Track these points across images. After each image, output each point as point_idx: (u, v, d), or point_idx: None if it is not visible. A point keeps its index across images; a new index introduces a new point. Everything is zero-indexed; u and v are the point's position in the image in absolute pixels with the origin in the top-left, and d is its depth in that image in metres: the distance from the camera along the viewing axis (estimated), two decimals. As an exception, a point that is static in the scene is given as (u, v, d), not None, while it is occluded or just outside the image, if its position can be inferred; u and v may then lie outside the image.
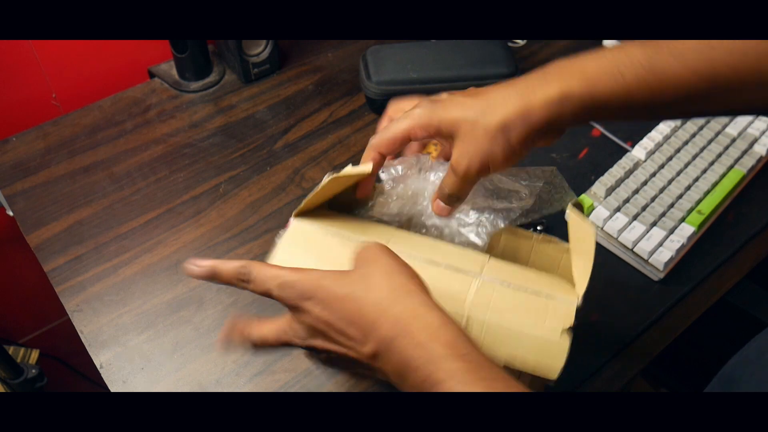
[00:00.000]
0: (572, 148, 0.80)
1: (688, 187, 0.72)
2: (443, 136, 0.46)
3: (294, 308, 0.41)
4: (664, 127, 0.77)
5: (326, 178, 0.46)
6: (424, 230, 0.51)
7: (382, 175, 0.52)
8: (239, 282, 0.42)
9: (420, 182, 0.51)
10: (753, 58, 0.41)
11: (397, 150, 0.48)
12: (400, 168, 0.51)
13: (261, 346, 0.43)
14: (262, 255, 0.69)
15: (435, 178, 0.51)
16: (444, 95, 0.48)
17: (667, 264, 0.66)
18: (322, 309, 0.39)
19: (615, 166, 0.73)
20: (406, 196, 0.51)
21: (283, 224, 0.72)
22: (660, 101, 0.44)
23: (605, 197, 0.71)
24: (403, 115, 0.47)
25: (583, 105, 0.43)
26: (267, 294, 0.41)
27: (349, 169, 0.46)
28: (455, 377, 0.35)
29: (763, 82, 0.42)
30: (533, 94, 0.43)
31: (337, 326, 0.39)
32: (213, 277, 0.43)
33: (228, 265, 0.42)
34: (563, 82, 0.43)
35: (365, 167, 0.47)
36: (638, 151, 0.75)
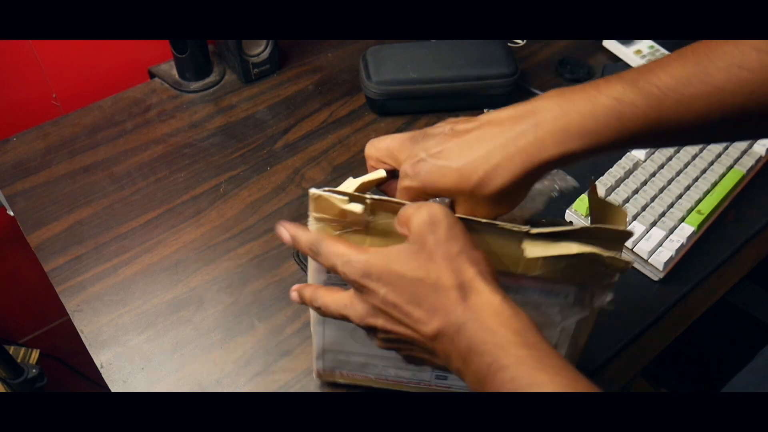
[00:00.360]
0: (572, 148, 0.80)
1: (688, 187, 0.72)
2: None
3: (358, 287, 0.41)
4: (664, 127, 0.77)
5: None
6: None
7: None
8: (310, 252, 0.43)
9: None
10: (763, 96, 0.39)
11: None
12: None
13: (322, 312, 0.45)
14: (262, 255, 0.69)
15: None
16: (419, 135, 0.45)
17: (667, 264, 0.66)
18: (389, 291, 0.39)
19: (615, 166, 0.73)
20: None
21: (283, 224, 0.72)
22: (663, 143, 0.44)
23: (605, 197, 0.71)
24: (398, 181, 0.46)
25: (582, 158, 0.41)
26: (333, 269, 0.42)
27: (362, 178, 0.46)
28: (521, 363, 0.36)
29: None
30: (529, 158, 0.40)
31: (404, 309, 0.39)
32: (293, 243, 0.44)
33: (304, 236, 0.44)
34: (560, 144, 0.40)
35: (379, 172, 0.46)
36: (638, 152, 0.75)
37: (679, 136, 0.41)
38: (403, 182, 0.45)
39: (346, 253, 0.41)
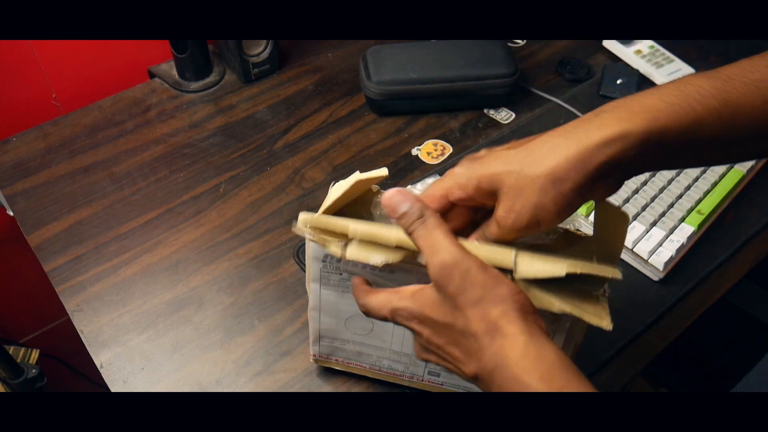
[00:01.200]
0: (572, 148, 0.80)
1: (688, 187, 0.72)
2: (485, 194, 0.42)
3: (409, 328, 0.43)
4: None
5: (344, 184, 0.45)
6: None
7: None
8: (363, 310, 0.45)
9: None
10: None
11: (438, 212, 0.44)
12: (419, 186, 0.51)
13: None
14: (262, 255, 0.69)
15: None
16: (483, 152, 0.43)
17: (667, 264, 0.66)
18: (432, 333, 0.41)
19: (615, 166, 0.73)
20: None
21: (283, 224, 0.72)
22: (734, 136, 0.40)
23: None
24: (442, 176, 0.44)
25: (648, 142, 0.38)
26: (385, 319, 0.44)
27: (368, 173, 0.45)
28: None
29: None
30: (587, 137, 0.38)
31: (446, 349, 0.41)
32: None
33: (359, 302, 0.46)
34: (622, 120, 0.38)
35: (382, 170, 0.46)
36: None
37: (750, 130, 0.39)
38: (451, 169, 0.43)
39: (390, 301, 0.43)
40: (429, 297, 0.41)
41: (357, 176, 0.45)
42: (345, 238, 0.43)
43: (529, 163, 0.40)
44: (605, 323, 0.41)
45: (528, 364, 0.37)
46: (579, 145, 0.39)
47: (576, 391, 0.36)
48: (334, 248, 0.44)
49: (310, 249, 0.49)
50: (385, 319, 0.44)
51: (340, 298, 0.51)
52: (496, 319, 0.38)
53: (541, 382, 0.36)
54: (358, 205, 0.48)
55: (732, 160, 0.45)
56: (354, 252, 0.43)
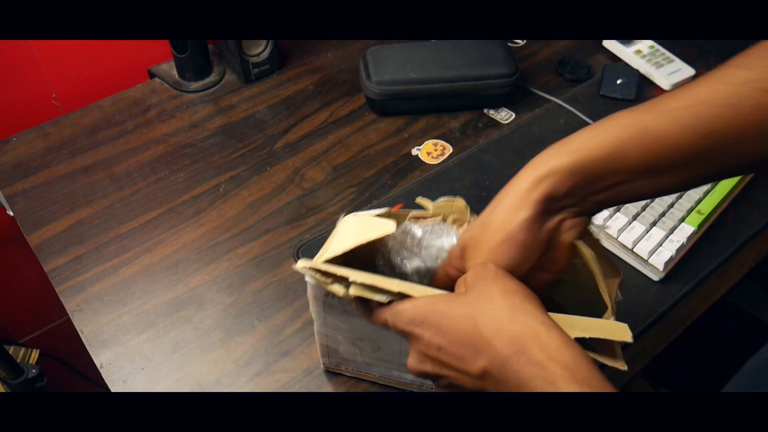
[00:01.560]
0: (572, 148, 0.80)
1: (688, 187, 0.72)
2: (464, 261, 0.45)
3: (406, 336, 0.41)
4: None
5: (350, 240, 0.44)
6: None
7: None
8: (365, 317, 0.44)
9: (440, 241, 0.51)
10: (749, 110, 0.39)
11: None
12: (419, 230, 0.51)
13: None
14: (262, 255, 0.69)
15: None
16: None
17: (667, 264, 0.66)
18: (434, 333, 0.39)
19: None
20: (426, 250, 0.51)
21: (283, 224, 0.72)
22: (660, 163, 0.41)
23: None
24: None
25: (576, 174, 0.41)
26: (384, 325, 0.43)
27: (371, 229, 0.45)
28: None
29: (763, 134, 0.40)
30: (524, 180, 0.42)
31: (449, 350, 0.39)
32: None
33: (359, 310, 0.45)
34: (551, 158, 0.42)
35: (389, 226, 0.45)
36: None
37: (674, 156, 0.41)
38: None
39: (393, 305, 0.42)
40: (446, 294, 0.41)
41: (365, 237, 0.44)
42: (346, 280, 0.42)
43: (482, 221, 0.43)
44: (620, 365, 0.42)
45: (552, 352, 0.36)
46: (517, 188, 0.42)
47: (601, 383, 0.35)
48: (336, 288, 0.43)
49: (310, 288, 0.48)
50: (384, 323, 0.42)
51: (345, 323, 0.51)
52: (519, 304, 0.38)
53: (565, 370, 0.35)
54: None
55: (667, 191, 0.44)
56: (357, 291, 0.42)
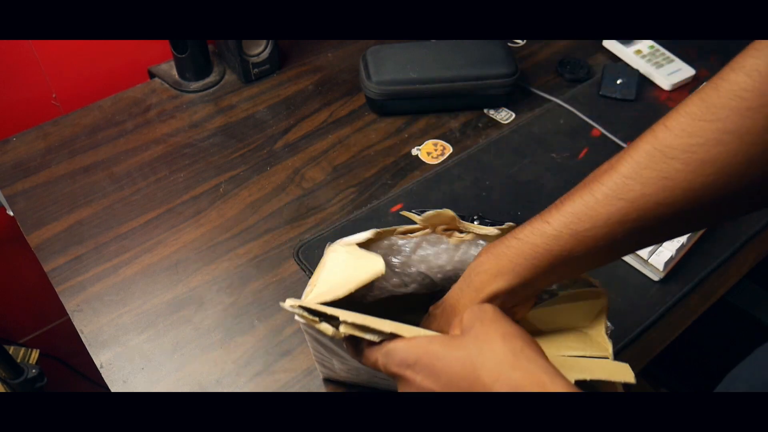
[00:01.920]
0: (572, 149, 0.80)
1: (688, 187, 0.72)
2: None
3: (396, 378, 0.40)
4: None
5: (339, 290, 0.44)
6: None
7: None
8: (355, 358, 0.43)
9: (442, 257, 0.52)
10: (645, 221, 0.38)
11: None
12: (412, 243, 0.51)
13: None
14: (261, 255, 0.69)
15: (459, 255, 0.51)
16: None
17: (667, 264, 0.66)
18: (426, 376, 0.37)
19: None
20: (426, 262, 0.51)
21: (283, 224, 0.72)
22: (586, 267, 0.43)
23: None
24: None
25: (514, 292, 0.43)
26: (375, 365, 0.41)
27: (364, 274, 0.45)
28: None
29: (699, 204, 0.38)
30: (469, 295, 0.45)
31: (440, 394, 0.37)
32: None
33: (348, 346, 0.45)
34: (490, 283, 0.44)
35: (378, 269, 0.45)
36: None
37: (590, 263, 0.42)
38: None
39: (384, 345, 0.40)
40: (441, 336, 0.39)
41: (356, 282, 0.43)
42: (336, 320, 0.41)
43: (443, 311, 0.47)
44: (629, 378, 0.42)
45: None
46: (464, 302, 0.45)
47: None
48: (325, 327, 0.41)
49: (301, 323, 0.47)
50: (375, 364, 0.41)
51: (339, 356, 0.50)
52: (519, 349, 0.37)
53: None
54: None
55: (613, 260, 0.45)
56: (347, 330, 0.40)
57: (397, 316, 0.44)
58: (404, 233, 0.50)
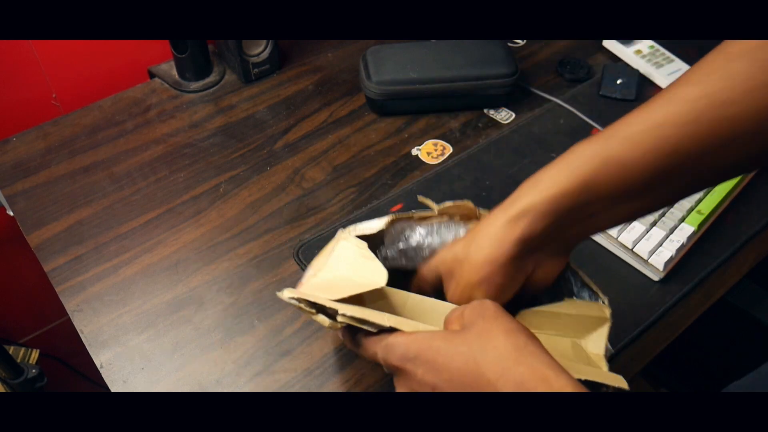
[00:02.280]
0: (572, 148, 0.80)
1: (688, 187, 0.72)
2: (440, 281, 0.48)
3: (396, 372, 0.40)
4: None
5: (338, 292, 0.43)
6: None
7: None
8: (352, 348, 0.43)
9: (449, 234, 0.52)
10: (706, 125, 0.39)
11: None
12: (423, 230, 0.51)
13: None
14: (262, 255, 0.69)
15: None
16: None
17: (667, 264, 0.66)
18: (427, 370, 0.37)
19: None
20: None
21: (283, 224, 0.72)
22: (629, 189, 0.42)
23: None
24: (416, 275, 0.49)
25: (548, 213, 0.42)
26: (374, 358, 0.41)
27: (363, 285, 0.44)
28: None
29: (724, 145, 0.40)
30: (497, 220, 0.43)
31: (444, 389, 0.37)
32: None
33: (346, 337, 0.44)
34: (522, 198, 0.42)
35: (377, 284, 0.44)
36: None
37: (642, 181, 0.41)
38: (420, 265, 0.49)
39: (383, 337, 0.40)
40: (443, 332, 0.39)
41: (353, 290, 0.43)
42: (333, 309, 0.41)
43: (458, 254, 0.44)
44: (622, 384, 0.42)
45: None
46: (493, 228, 0.43)
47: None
48: (322, 318, 0.41)
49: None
50: (374, 357, 0.41)
51: None
52: (523, 345, 0.36)
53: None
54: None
55: (647, 210, 0.44)
56: (345, 320, 0.40)
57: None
58: (421, 218, 0.50)
